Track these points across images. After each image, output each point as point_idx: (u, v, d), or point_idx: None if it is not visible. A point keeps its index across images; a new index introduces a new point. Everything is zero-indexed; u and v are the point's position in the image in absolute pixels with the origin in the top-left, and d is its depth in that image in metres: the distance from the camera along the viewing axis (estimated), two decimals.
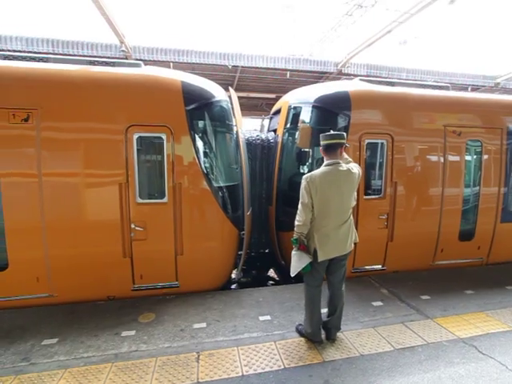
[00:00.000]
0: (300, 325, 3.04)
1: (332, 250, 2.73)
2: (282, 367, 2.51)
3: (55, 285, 3.54)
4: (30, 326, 3.07)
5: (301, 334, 2.97)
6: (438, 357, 2.67)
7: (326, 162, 2.78)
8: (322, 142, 2.80)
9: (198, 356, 2.64)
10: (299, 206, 2.75)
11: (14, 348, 2.74)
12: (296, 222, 2.77)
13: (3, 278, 3.39)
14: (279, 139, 4.82)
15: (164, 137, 3.61)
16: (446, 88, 5.33)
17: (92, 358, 2.61)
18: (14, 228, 3.35)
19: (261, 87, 12.59)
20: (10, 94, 3.31)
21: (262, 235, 5.46)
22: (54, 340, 2.85)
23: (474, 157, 5.02)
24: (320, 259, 2.70)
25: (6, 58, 3.79)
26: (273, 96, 12.56)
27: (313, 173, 2.72)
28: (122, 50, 8.86)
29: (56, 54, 8.56)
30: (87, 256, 3.56)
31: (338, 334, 2.98)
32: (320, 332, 2.90)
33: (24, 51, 8.40)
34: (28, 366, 2.52)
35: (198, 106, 3.77)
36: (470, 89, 11.87)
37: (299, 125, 4.55)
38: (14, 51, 8.09)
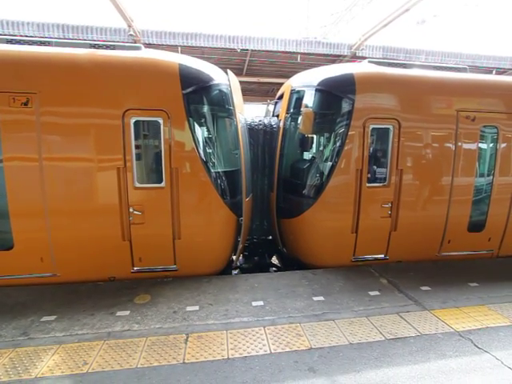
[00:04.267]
0: None
1: None
2: (268, 352, 2.52)
3: (58, 265, 3.67)
4: (32, 303, 3.21)
5: None
6: (430, 349, 2.60)
7: None
8: None
9: (187, 338, 2.69)
10: None
11: (15, 323, 2.88)
12: None
13: (9, 258, 3.55)
14: (281, 124, 4.70)
15: (161, 121, 3.58)
16: (464, 70, 5.00)
17: (86, 336, 2.71)
18: (17, 210, 3.46)
19: (272, 72, 12.28)
20: (9, 77, 3.36)
21: (264, 222, 5.44)
22: (53, 317, 2.98)
23: (490, 144, 4.75)
24: None
25: (8, 41, 3.84)
26: (285, 81, 12.27)
27: None
28: (130, 34, 8.82)
29: (66, 38, 8.63)
30: (88, 238, 3.66)
31: (329, 322, 2.95)
32: None
33: (35, 36, 8.51)
34: (26, 340, 2.64)
35: (195, 90, 3.70)
36: (494, 72, 11.13)
37: (302, 109, 4.42)
38: (26, 36, 8.21)
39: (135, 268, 3.84)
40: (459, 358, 2.49)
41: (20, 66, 3.42)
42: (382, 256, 4.47)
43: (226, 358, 2.45)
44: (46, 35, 8.69)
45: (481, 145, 4.60)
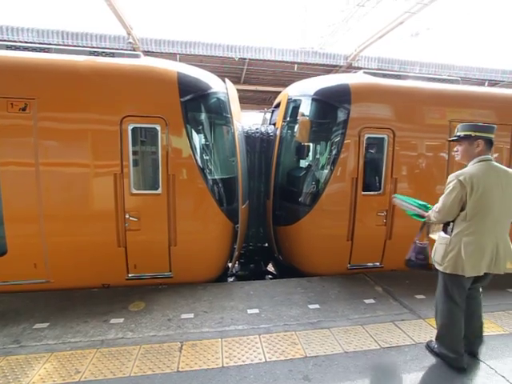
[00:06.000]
0: (431, 341, 2.73)
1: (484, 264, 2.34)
2: (263, 360, 2.50)
3: (52, 271, 3.63)
4: (24, 310, 3.17)
5: (436, 354, 2.63)
6: (425, 357, 2.60)
7: (479, 158, 2.38)
8: (484, 135, 2.38)
9: (181, 346, 2.67)
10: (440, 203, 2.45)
11: (6, 330, 2.83)
12: (433, 215, 2.54)
13: (2, 263, 3.51)
14: (278, 132, 4.76)
15: (159, 128, 3.61)
16: (456, 82, 5.12)
17: (79, 343, 2.67)
18: (12, 215, 3.44)
19: (269, 80, 12.44)
20: (8, 83, 3.37)
21: (260, 229, 5.44)
22: (45, 324, 2.94)
23: None
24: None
25: (8, 47, 3.87)
26: (281, 89, 12.41)
27: (465, 171, 2.35)
28: (130, 42, 8.91)
29: (66, 45, 8.69)
30: (83, 244, 3.63)
31: (324, 330, 2.95)
32: (462, 355, 2.48)
33: (35, 42, 8.56)
34: (17, 348, 2.60)
35: (193, 98, 3.75)
36: (486, 84, 11.39)
37: (298, 118, 4.48)
38: (26, 42, 8.26)
39: (130, 275, 3.81)
40: (454, 368, 2.49)
41: (19, 71, 3.45)
42: (378, 264, 4.49)
43: (220, 366, 2.43)
44: (46, 41, 8.74)
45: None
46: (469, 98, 4.65)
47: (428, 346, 2.73)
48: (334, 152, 4.16)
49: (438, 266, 2.53)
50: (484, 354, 2.66)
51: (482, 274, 2.36)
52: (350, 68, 10.68)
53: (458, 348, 2.47)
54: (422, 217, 2.80)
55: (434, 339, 2.70)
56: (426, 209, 2.78)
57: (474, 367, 2.51)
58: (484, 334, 2.93)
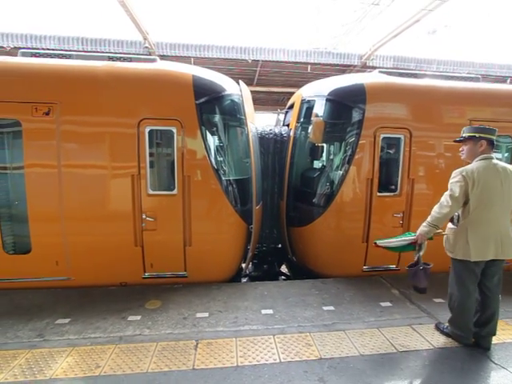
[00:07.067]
0: (440, 323, 3.05)
1: (490, 251, 2.59)
2: (278, 361, 2.51)
3: (73, 269, 3.76)
4: (47, 306, 3.30)
5: (446, 334, 2.92)
6: (444, 363, 2.54)
7: (481, 156, 2.67)
8: (487, 136, 2.68)
9: (197, 344, 2.71)
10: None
11: (31, 325, 2.96)
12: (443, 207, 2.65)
13: (27, 261, 3.67)
14: (291, 133, 4.75)
15: (174, 130, 3.69)
16: (476, 79, 4.97)
17: (98, 339, 2.76)
18: (36, 215, 3.59)
19: (283, 82, 12.43)
20: (33, 88, 3.53)
21: (273, 230, 5.44)
22: (67, 320, 3.05)
23: (504, 154, 4.67)
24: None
25: (33, 55, 4.05)
26: (295, 90, 12.36)
27: (467, 167, 2.64)
28: (146, 47, 9.12)
29: (85, 51, 9.00)
30: (102, 243, 3.75)
31: (339, 332, 2.92)
32: (471, 334, 2.77)
33: (57, 49, 8.90)
34: (41, 341, 2.72)
35: (208, 100, 3.81)
36: (509, 81, 10.96)
37: (312, 119, 4.47)
38: (48, 49, 8.60)
39: (146, 274, 3.90)
40: (475, 374, 2.42)
41: (43, 77, 3.61)
42: (394, 266, 4.40)
43: (235, 365, 2.45)
44: (67, 48, 9.08)
45: (494, 154, 4.52)
46: (490, 96, 4.50)
47: (437, 327, 3.01)
48: (348, 153, 4.12)
49: (450, 254, 2.79)
50: (507, 361, 2.56)
51: (487, 259, 2.59)
52: (364, 67, 10.52)
53: (469, 330, 2.74)
54: (414, 243, 2.91)
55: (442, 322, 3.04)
56: (411, 235, 2.95)
57: (495, 374, 2.43)
58: (507, 340, 2.84)
